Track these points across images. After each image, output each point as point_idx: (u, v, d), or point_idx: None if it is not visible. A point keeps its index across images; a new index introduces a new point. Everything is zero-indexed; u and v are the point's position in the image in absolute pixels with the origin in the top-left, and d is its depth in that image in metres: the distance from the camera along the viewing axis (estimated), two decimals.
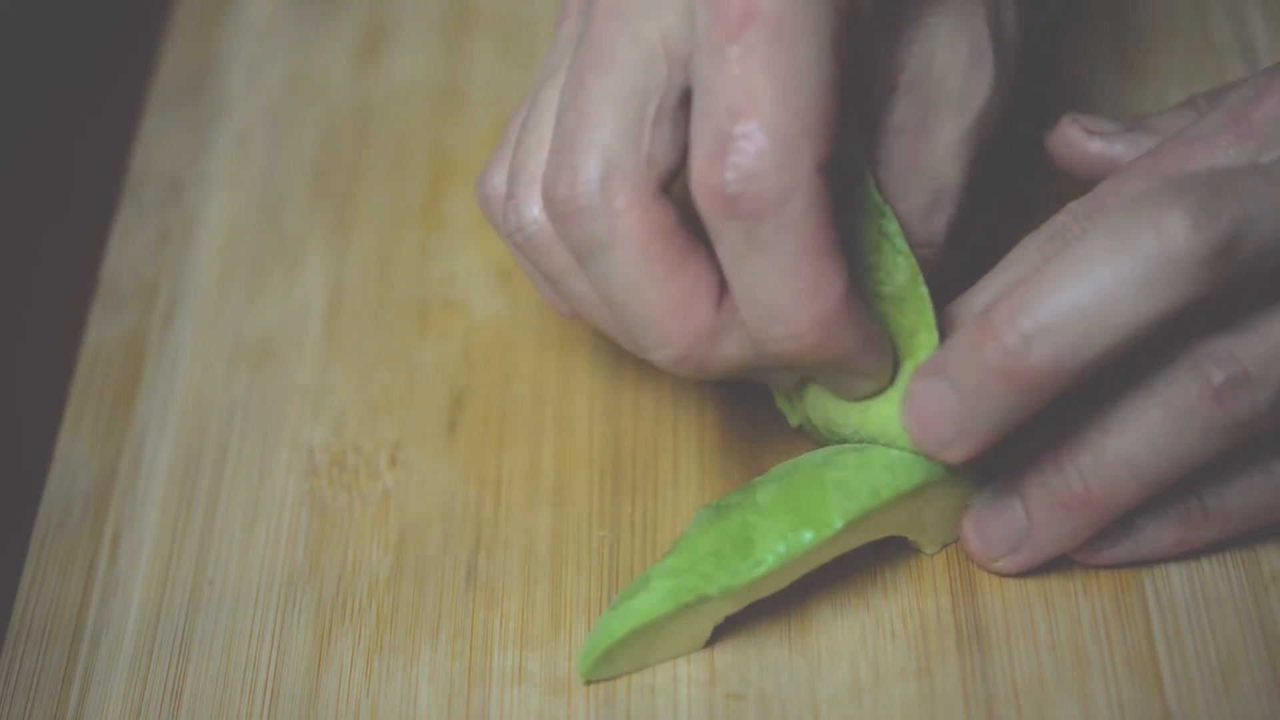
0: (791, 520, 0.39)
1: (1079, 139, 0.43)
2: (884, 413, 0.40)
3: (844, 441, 0.41)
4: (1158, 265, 0.34)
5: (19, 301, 0.54)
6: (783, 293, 0.36)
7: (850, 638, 0.41)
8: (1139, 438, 0.37)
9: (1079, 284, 0.35)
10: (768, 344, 0.37)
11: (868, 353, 0.38)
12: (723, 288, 0.37)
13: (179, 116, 0.56)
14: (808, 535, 0.38)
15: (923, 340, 0.39)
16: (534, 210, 0.39)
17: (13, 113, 0.58)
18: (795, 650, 0.41)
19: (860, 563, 0.41)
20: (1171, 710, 0.38)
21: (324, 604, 0.43)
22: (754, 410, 0.45)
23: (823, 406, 0.41)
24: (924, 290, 0.39)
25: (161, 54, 0.57)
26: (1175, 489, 0.38)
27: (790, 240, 0.35)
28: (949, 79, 0.40)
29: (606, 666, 0.40)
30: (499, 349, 0.48)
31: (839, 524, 0.38)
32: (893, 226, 0.40)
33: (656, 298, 0.37)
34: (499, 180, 0.41)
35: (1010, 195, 0.49)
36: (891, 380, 0.40)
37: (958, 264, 0.43)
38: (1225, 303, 0.36)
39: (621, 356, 0.47)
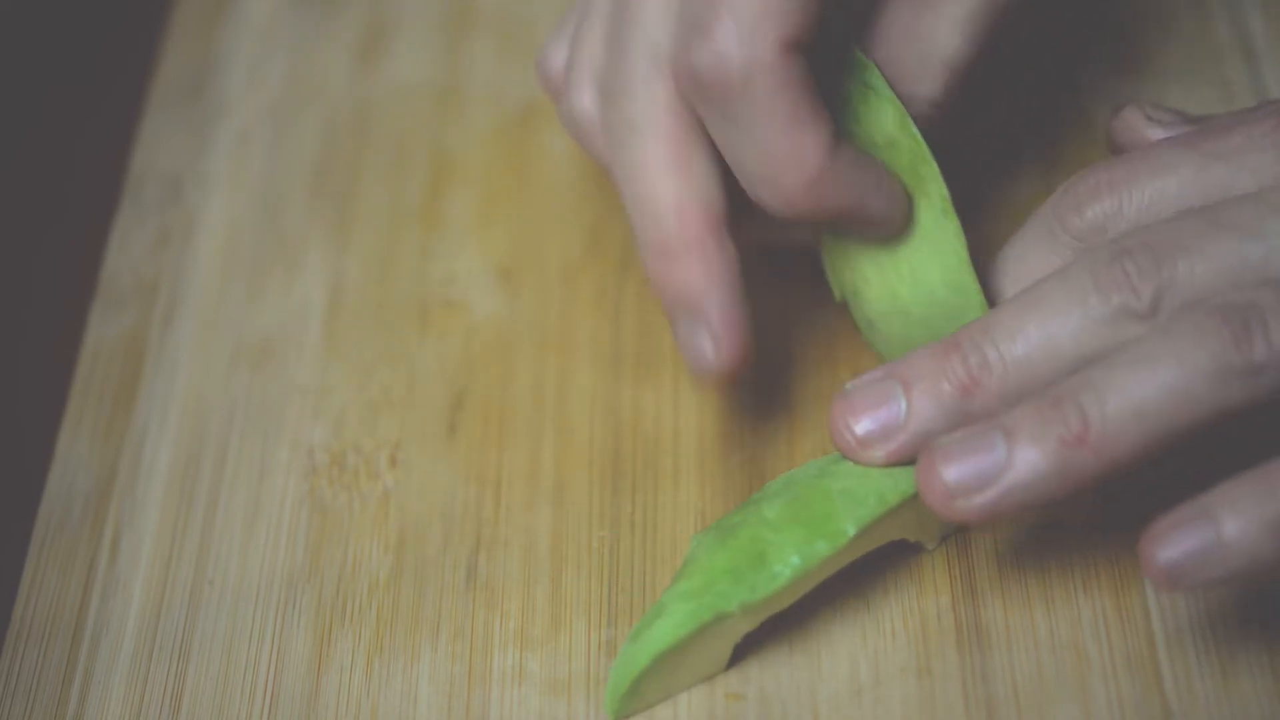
0: (804, 533, 0.39)
1: (1139, 125, 0.43)
2: (917, 262, 0.41)
3: (886, 313, 0.42)
4: (1101, 315, 0.37)
5: (19, 301, 0.54)
6: (767, 164, 0.39)
7: (850, 637, 0.41)
8: (1146, 377, 0.36)
9: (1036, 323, 0.38)
10: (767, 208, 0.40)
11: (870, 199, 0.40)
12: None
13: (179, 116, 0.56)
14: (822, 546, 0.39)
15: (924, 171, 0.41)
16: (584, 101, 0.43)
17: (13, 113, 0.58)
18: (795, 650, 0.41)
19: (860, 563, 0.41)
20: (1172, 710, 0.38)
21: (324, 604, 0.43)
22: (754, 410, 0.45)
23: (863, 272, 0.42)
24: (914, 130, 0.41)
25: (161, 54, 0.57)
26: (1263, 482, 0.35)
27: (763, 116, 0.38)
28: None
29: (634, 701, 0.40)
30: (499, 349, 0.48)
31: (852, 532, 0.39)
32: (875, 78, 0.41)
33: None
34: (556, 61, 0.45)
35: (1009, 195, 0.49)
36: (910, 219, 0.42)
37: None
38: None
39: (621, 356, 0.47)
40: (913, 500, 0.39)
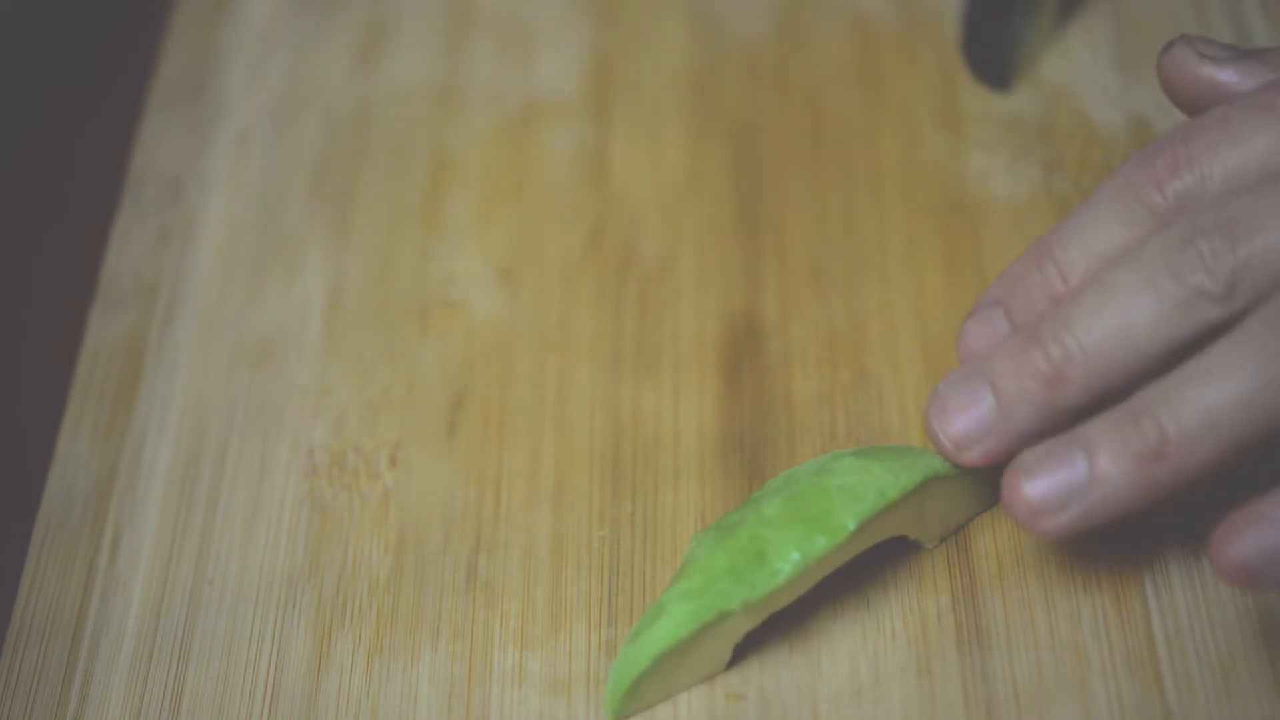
0: (803, 529, 0.39)
1: (1191, 61, 0.42)
2: None
3: None
4: (1177, 301, 0.37)
5: (19, 301, 0.54)
6: None
7: (850, 637, 0.41)
8: (1223, 390, 0.36)
9: (1116, 317, 0.37)
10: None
11: None
12: None
13: (179, 116, 0.56)
14: (821, 541, 0.39)
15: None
16: None
17: (13, 113, 0.58)
18: (795, 649, 0.41)
19: (860, 562, 0.41)
20: (1172, 710, 0.38)
21: (324, 604, 0.43)
22: (754, 410, 0.45)
23: None
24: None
25: (161, 54, 0.57)
26: None
27: None
28: None
29: (634, 701, 0.40)
30: (499, 349, 0.48)
31: (851, 526, 0.39)
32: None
33: None
34: None
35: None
36: None
37: None
38: None
39: (621, 356, 0.47)
40: (913, 496, 0.40)
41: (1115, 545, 0.41)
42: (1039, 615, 0.40)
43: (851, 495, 0.39)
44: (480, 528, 0.44)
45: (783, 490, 0.40)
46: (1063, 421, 0.38)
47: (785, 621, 0.40)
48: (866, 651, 0.41)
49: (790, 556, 0.39)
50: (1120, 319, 0.37)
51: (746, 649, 0.40)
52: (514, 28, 0.56)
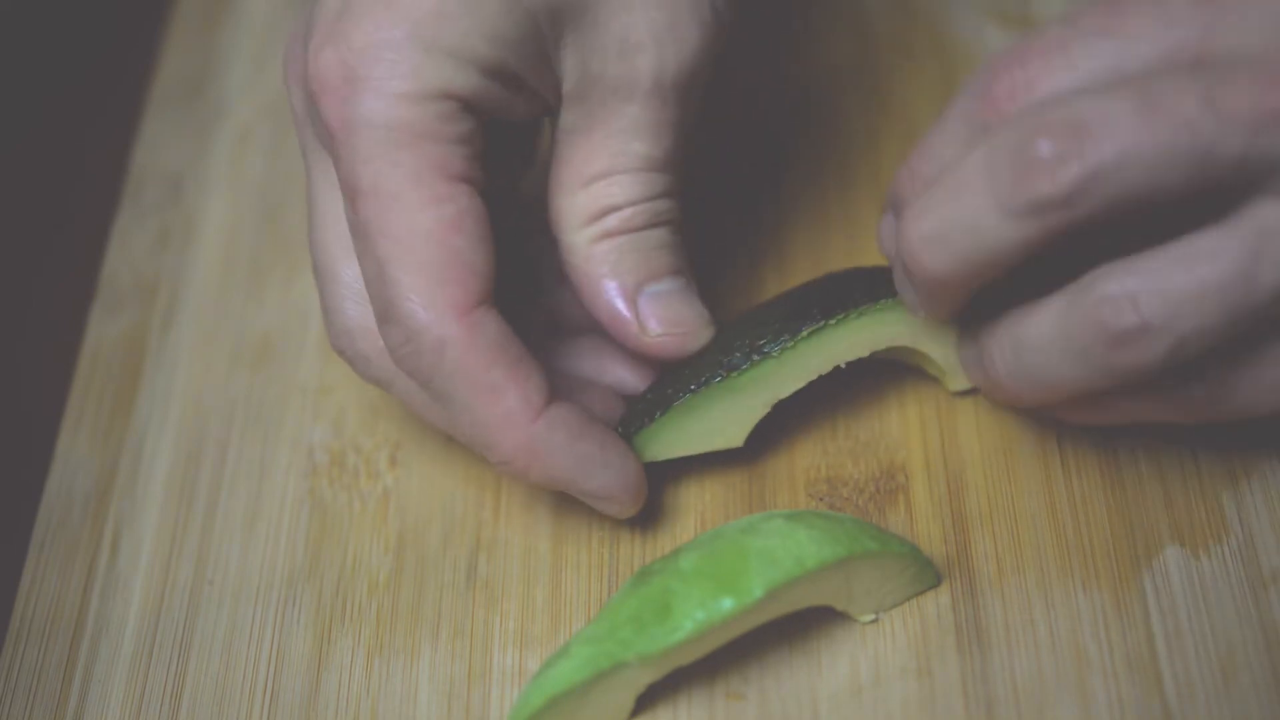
0: (712, 587, 0.38)
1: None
2: None
3: None
4: (1016, 205, 0.36)
5: (19, 301, 0.54)
6: (480, 429, 0.38)
7: (850, 637, 0.41)
8: (1045, 355, 0.38)
9: (955, 206, 0.37)
10: (495, 467, 0.39)
11: (589, 475, 0.40)
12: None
13: (179, 116, 0.56)
14: (728, 603, 0.38)
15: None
16: (345, 343, 0.42)
17: (13, 113, 0.58)
18: (795, 650, 0.41)
19: None
20: (1171, 709, 0.38)
21: (324, 604, 0.43)
22: None
23: None
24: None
25: (161, 54, 0.57)
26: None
27: (462, 387, 0.38)
28: (606, 72, 0.40)
29: None
30: None
31: (759, 593, 0.38)
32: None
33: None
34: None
35: None
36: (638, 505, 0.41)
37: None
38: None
39: None
40: (833, 568, 0.39)
41: (1115, 544, 0.41)
42: (1039, 615, 0.40)
43: (768, 560, 0.38)
44: (480, 528, 0.44)
45: (705, 545, 0.39)
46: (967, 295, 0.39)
47: (785, 622, 0.40)
48: (866, 651, 0.41)
49: (694, 614, 0.38)
50: (965, 212, 0.36)
51: (747, 649, 0.40)
52: None
